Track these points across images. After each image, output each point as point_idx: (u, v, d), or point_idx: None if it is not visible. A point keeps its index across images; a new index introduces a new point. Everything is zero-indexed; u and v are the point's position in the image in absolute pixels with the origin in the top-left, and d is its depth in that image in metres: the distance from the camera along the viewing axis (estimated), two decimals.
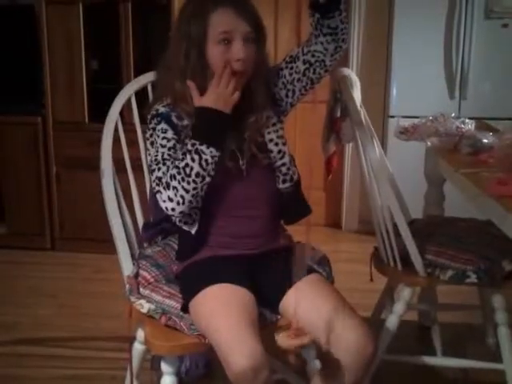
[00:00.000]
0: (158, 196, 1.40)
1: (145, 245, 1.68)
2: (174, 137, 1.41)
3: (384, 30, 3.54)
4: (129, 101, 1.70)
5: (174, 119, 1.42)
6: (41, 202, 3.44)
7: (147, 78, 1.73)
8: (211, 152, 1.35)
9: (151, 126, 1.43)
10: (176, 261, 1.56)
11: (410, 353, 2.06)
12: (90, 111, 3.31)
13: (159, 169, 1.39)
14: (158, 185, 1.39)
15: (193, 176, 1.36)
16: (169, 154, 1.40)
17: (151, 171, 1.42)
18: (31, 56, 3.37)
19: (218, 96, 1.35)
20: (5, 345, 2.38)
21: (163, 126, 1.41)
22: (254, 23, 1.39)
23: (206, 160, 1.35)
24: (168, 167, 1.38)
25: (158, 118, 1.42)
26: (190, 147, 1.36)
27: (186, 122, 1.42)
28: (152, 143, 1.43)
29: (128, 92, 1.70)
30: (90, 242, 3.37)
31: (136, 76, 1.77)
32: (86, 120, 3.32)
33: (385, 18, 3.53)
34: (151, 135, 1.43)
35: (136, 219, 1.71)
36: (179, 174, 1.36)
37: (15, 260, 3.36)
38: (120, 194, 1.66)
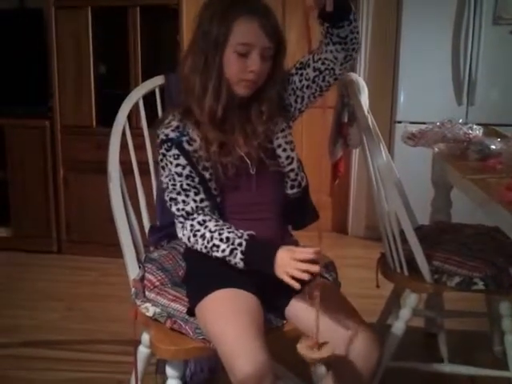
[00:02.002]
0: (177, 226, 1.45)
1: (151, 248, 1.68)
2: (188, 162, 1.40)
3: (392, 35, 3.54)
4: (136, 105, 1.71)
5: (186, 145, 1.40)
6: (48, 205, 3.45)
7: (155, 82, 1.73)
8: (242, 267, 1.37)
9: (161, 150, 1.42)
10: (182, 263, 1.56)
11: (416, 359, 2.05)
12: (97, 115, 3.33)
13: (183, 201, 1.41)
14: (180, 216, 1.43)
15: (213, 254, 1.39)
16: (188, 184, 1.41)
17: (170, 199, 1.43)
18: (39, 60, 3.39)
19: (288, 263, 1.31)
20: (11, 347, 2.38)
21: (174, 151, 1.40)
22: (275, 38, 1.38)
23: (235, 263, 1.37)
24: (194, 195, 1.41)
25: (169, 144, 1.40)
26: (228, 253, 1.36)
27: (197, 145, 1.40)
28: (163, 167, 1.43)
29: (136, 96, 1.71)
30: (96, 246, 3.37)
31: (144, 80, 1.78)
32: (94, 124, 3.33)
33: (392, 23, 3.53)
34: (161, 160, 1.43)
35: (142, 223, 1.72)
36: (204, 246, 1.40)
37: (21, 263, 3.37)
38: (127, 197, 1.66)
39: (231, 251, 1.36)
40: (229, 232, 1.38)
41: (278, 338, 1.44)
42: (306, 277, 1.27)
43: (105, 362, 2.25)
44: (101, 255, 3.30)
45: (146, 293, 1.50)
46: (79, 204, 3.43)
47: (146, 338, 1.53)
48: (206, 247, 1.40)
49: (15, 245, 3.48)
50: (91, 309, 2.74)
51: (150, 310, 1.46)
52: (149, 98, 1.75)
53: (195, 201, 1.42)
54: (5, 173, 3.44)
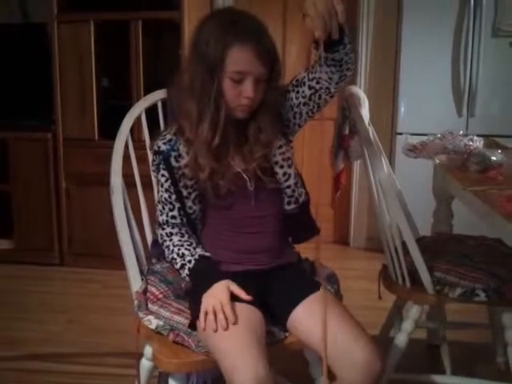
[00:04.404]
0: (156, 231, 1.55)
1: (153, 261, 1.68)
2: (169, 177, 1.47)
3: (391, 48, 3.57)
4: (139, 118, 1.72)
5: (173, 160, 1.45)
6: (50, 218, 3.46)
7: (157, 96, 1.75)
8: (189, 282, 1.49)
9: (155, 162, 1.49)
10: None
11: (419, 371, 2.04)
12: (99, 128, 3.34)
13: (160, 211, 1.52)
14: (157, 223, 1.54)
15: (174, 266, 1.50)
16: (165, 198, 1.50)
17: (157, 202, 1.55)
18: (43, 73, 3.41)
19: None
20: (13, 360, 2.38)
21: (162, 165, 1.47)
22: (269, 62, 1.38)
23: (184, 277, 1.48)
24: (168, 211, 1.50)
25: (159, 156, 1.46)
26: (179, 267, 1.47)
27: (184, 161, 1.44)
28: (155, 176, 1.52)
29: (138, 109, 1.72)
30: (98, 258, 3.37)
31: (146, 94, 1.79)
32: (96, 137, 3.35)
33: (392, 35, 3.56)
34: (153, 170, 1.52)
35: (145, 235, 1.72)
36: (168, 256, 1.51)
37: (24, 275, 3.37)
38: (129, 210, 1.67)
39: (181, 266, 1.46)
40: (185, 249, 1.47)
41: (280, 350, 1.44)
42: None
43: (107, 374, 2.25)
44: (103, 267, 3.30)
45: (149, 305, 1.50)
46: (81, 216, 3.44)
47: (148, 350, 1.52)
48: (169, 257, 1.50)
49: (18, 257, 3.48)
50: (93, 321, 2.74)
51: (152, 322, 1.46)
52: (151, 112, 1.76)
53: (167, 215, 1.51)
54: (8, 185, 3.45)
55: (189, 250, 1.47)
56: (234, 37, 1.34)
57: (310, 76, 1.43)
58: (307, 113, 1.49)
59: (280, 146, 1.49)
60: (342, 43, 1.32)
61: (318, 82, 1.43)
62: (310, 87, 1.44)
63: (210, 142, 1.40)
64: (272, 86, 1.43)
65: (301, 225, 1.56)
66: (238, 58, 1.35)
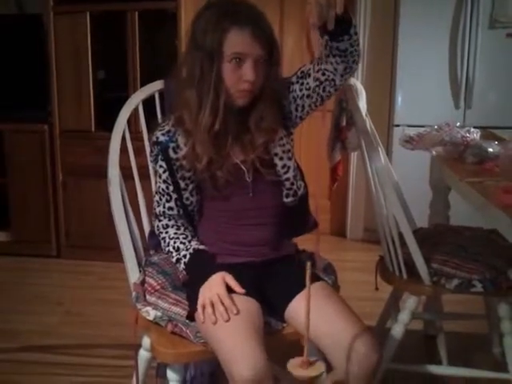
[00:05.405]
0: (153, 222, 1.56)
1: (151, 252, 1.68)
2: (167, 168, 1.47)
3: (389, 39, 3.56)
4: (136, 109, 1.72)
5: (171, 151, 1.45)
6: (47, 210, 3.45)
7: (154, 87, 1.74)
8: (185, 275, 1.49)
9: (154, 153, 1.49)
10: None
11: (416, 362, 2.05)
12: (96, 120, 3.33)
13: (157, 202, 1.52)
14: (153, 214, 1.54)
15: (171, 259, 1.50)
16: (162, 189, 1.50)
17: (155, 193, 1.55)
18: (39, 64, 3.40)
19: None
20: (10, 352, 2.38)
21: (160, 156, 1.47)
22: (268, 46, 1.38)
23: (181, 271, 1.49)
24: (165, 202, 1.50)
25: (157, 147, 1.46)
26: (175, 261, 1.47)
27: (182, 153, 1.44)
28: (154, 167, 1.53)
29: (135, 100, 1.72)
30: (95, 250, 3.37)
31: (143, 85, 1.79)
32: (93, 128, 3.34)
33: (390, 27, 3.54)
34: (152, 161, 1.52)
35: (142, 227, 1.72)
36: (164, 248, 1.51)
37: (21, 267, 3.37)
38: (127, 202, 1.67)
39: (177, 260, 1.47)
40: (181, 242, 1.47)
41: (277, 341, 1.44)
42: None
43: (105, 366, 2.25)
44: (100, 259, 3.31)
45: (147, 296, 1.50)
46: (78, 208, 3.44)
47: (146, 341, 1.53)
48: (165, 249, 1.51)
49: (15, 249, 3.48)
50: (91, 313, 2.74)
51: (150, 313, 1.46)
52: (148, 103, 1.75)
53: (164, 206, 1.51)
54: (4, 177, 3.44)
55: (184, 243, 1.47)
56: (232, 22, 1.35)
57: (316, 68, 1.43)
58: (310, 105, 1.49)
59: (281, 138, 1.49)
60: (348, 33, 1.33)
61: (323, 74, 1.42)
62: (315, 79, 1.44)
63: (210, 129, 1.40)
64: (272, 72, 1.43)
65: (299, 218, 1.56)
66: (237, 41, 1.35)
